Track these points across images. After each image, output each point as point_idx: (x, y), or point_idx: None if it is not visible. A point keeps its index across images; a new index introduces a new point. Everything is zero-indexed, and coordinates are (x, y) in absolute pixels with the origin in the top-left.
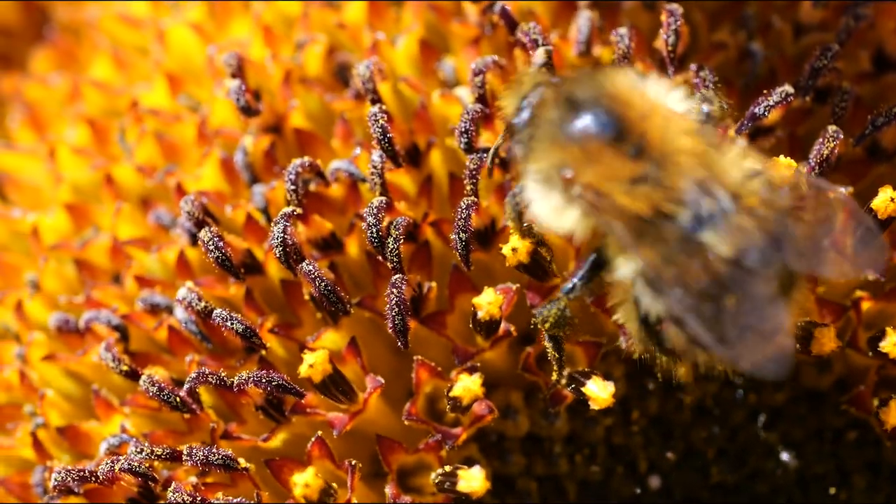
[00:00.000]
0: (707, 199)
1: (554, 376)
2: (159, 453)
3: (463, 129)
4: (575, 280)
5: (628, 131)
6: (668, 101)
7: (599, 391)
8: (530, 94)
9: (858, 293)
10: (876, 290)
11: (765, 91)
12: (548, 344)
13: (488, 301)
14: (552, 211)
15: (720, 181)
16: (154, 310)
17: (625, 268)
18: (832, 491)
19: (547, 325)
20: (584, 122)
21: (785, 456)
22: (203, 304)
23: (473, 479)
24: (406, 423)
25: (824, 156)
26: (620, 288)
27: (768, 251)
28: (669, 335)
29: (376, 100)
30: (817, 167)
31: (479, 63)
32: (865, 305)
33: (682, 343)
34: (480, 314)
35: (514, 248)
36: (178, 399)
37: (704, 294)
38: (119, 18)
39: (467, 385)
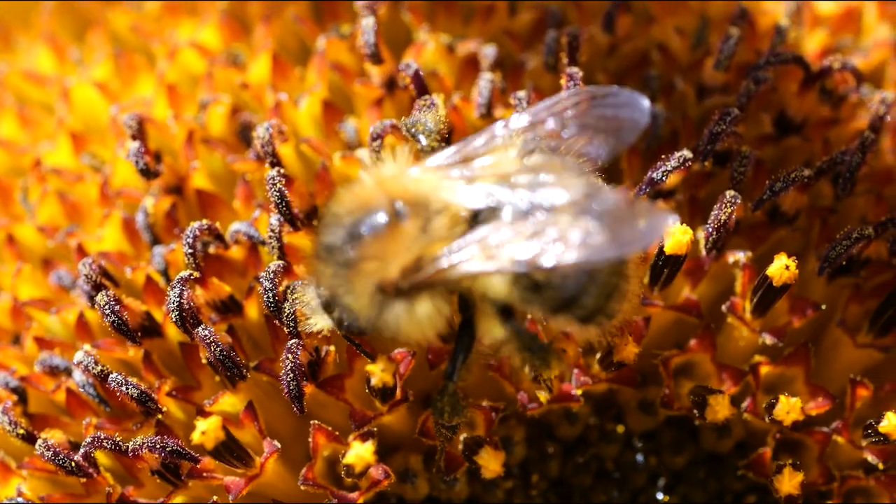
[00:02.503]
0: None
1: (438, 454)
2: None
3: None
4: (453, 363)
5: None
6: (404, 167)
7: (490, 460)
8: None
9: (757, 358)
10: (775, 355)
11: (663, 156)
12: (441, 431)
13: (381, 368)
14: (404, 320)
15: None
16: (53, 372)
17: (486, 313)
18: None
19: (445, 417)
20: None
21: None
22: (99, 367)
23: None
24: (303, 487)
25: (722, 221)
26: (490, 334)
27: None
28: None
29: (275, 163)
30: (715, 232)
31: (378, 127)
32: (764, 370)
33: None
34: (374, 381)
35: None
36: (73, 463)
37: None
38: (25, 75)
39: (359, 453)
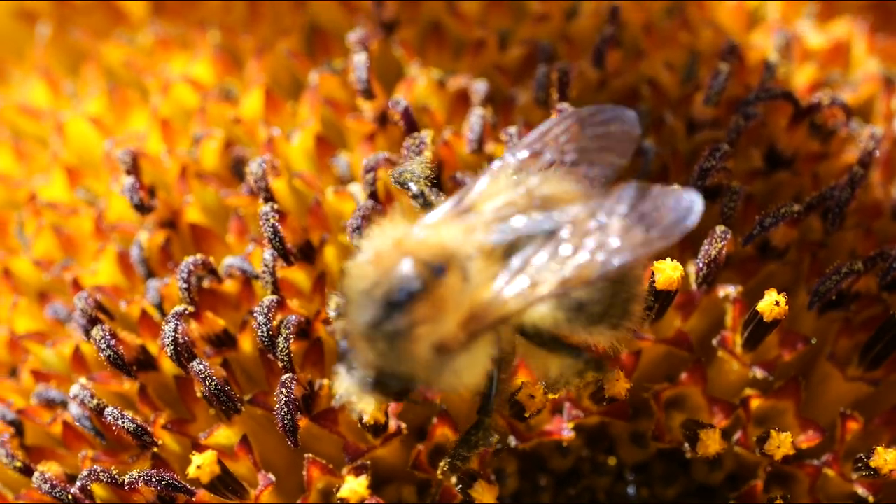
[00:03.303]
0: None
1: (440, 475)
2: None
3: (356, 226)
4: (487, 398)
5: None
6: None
7: (484, 493)
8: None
9: (748, 391)
10: (765, 388)
11: None
12: (454, 465)
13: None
14: (466, 369)
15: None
16: (49, 404)
17: (529, 346)
18: None
19: (478, 449)
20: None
21: None
22: (95, 401)
23: None
24: None
25: (712, 256)
26: (534, 360)
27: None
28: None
29: (269, 198)
30: (705, 267)
31: (371, 160)
32: (754, 403)
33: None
34: (365, 418)
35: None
36: (69, 496)
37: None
38: (19, 109)
39: (353, 487)
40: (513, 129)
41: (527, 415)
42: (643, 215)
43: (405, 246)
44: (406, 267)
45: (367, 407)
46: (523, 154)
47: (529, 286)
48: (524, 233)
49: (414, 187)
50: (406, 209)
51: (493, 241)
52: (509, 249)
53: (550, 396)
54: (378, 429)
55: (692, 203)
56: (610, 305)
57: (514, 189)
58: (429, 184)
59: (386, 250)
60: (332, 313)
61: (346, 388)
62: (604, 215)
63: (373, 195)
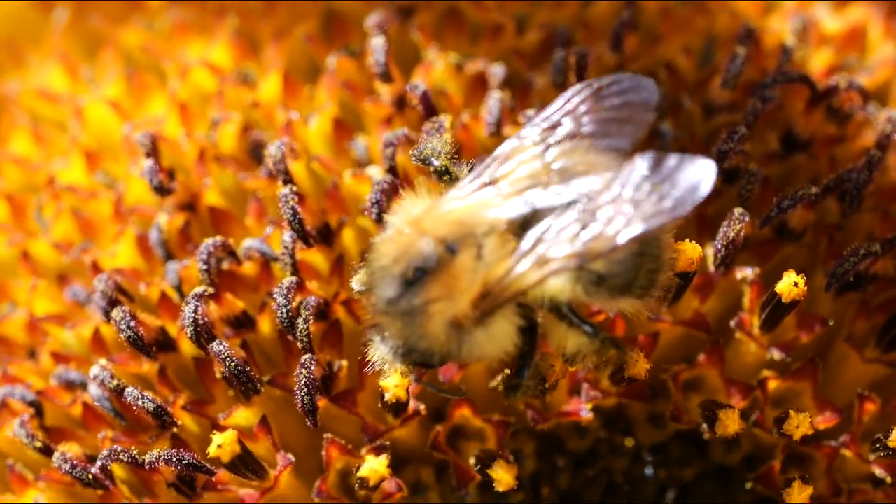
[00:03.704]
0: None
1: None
2: None
3: (374, 200)
4: (524, 364)
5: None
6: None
7: (503, 473)
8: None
9: (765, 373)
10: (783, 370)
11: None
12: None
13: (395, 384)
14: (484, 344)
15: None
16: (69, 386)
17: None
18: None
19: (518, 397)
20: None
21: None
22: (115, 381)
23: None
24: (317, 499)
25: (730, 238)
26: (554, 334)
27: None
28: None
29: (287, 180)
30: (723, 249)
31: (390, 136)
32: (772, 385)
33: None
34: (387, 396)
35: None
36: (90, 476)
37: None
38: (38, 94)
39: (373, 466)
40: (532, 112)
41: (546, 385)
42: (656, 186)
43: (421, 224)
44: (420, 245)
45: (393, 374)
46: (541, 127)
47: (542, 262)
48: (540, 207)
49: (436, 162)
50: (429, 187)
51: (510, 216)
52: (525, 224)
53: (570, 368)
54: (398, 408)
55: (706, 171)
56: (634, 277)
57: (532, 163)
58: (451, 159)
59: (404, 228)
60: (356, 287)
61: (380, 356)
62: (618, 187)
63: (391, 170)
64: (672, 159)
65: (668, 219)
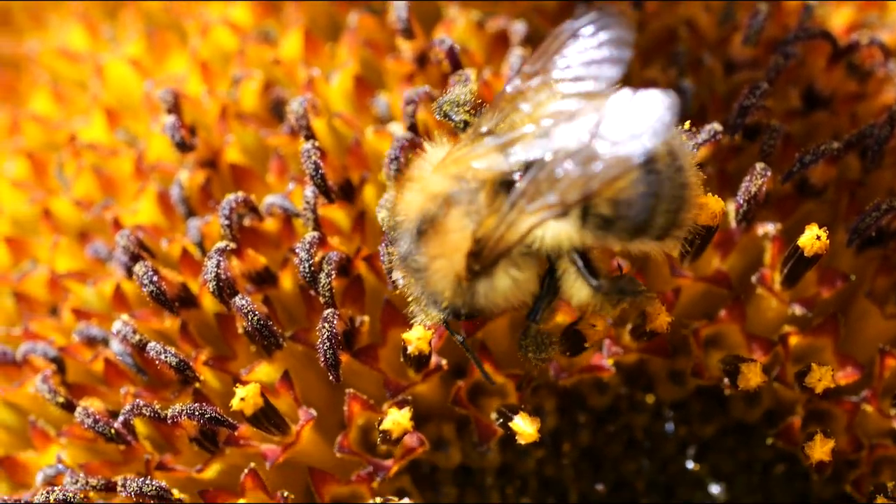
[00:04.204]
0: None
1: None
2: (94, 484)
3: (393, 157)
4: (537, 305)
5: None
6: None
7: (525, 426)
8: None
9: (786, 328)
10: (804, 325)
11: (693, 129)
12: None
13: (417, 336)
14: (492, 295)
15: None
16: (90, 342)
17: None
18: None
19: (530, 356)
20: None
21: (714, 488)
22: (138, 336)
23: None
24: (339, 455)
25: (752, 192)
26: (577, 294)
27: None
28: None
29: (309, 136)
30: (745, 204)
31: (411, 93)
32: (793, 340)
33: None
34: (410, 349)
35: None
36: (112, 431)
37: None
38: (58, 53)
39: (396, 419)
40: (515, 62)
41: (587, 345)
42: (621, 126)
43: (425, 184)
44: (423, 206)
45: (424, 320)
46: (524, 78)
47: (528, 213)
48: (527, 157)
49: (456, 116)
50: (449, 139)
51: (500, 168)
52: (513, 176)
53: (593, 323)
54: (420, 362)
55: (663, 103)
56: (647, 219)
57: (516, 114)
58: (472, 111)
59: (414, 187)
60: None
61: (414, 297)
62: (595, 129)
63: (412, 128)
64: (639, 94)
65: (643, 152)
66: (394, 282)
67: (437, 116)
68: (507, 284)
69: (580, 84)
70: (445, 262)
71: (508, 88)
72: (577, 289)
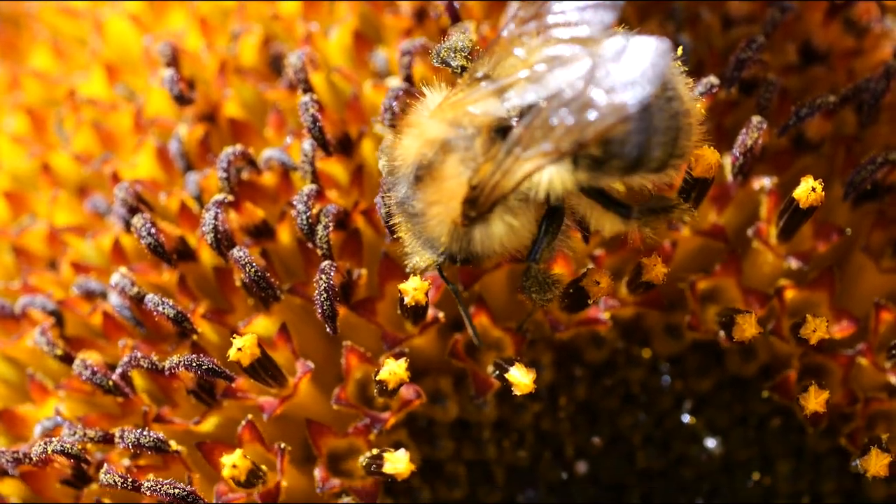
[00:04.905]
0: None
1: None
2: (92, 436)
3: (387, 106)
4: (536, 246)
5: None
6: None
7: (522, 377)
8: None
9: (782, 282)
10: (800, 279)
11: (691, 83)
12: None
13: (414, 287)
14: (488, 240)
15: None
16: (89, 295)
17: (586, 204)
18: (756, 477)
19: (533, 296)
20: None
21: (710, 442)
22: (136, 289)
23: (398, 462)
24: (336, 407)
25: (748, 146)
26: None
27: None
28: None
29: (308, 89)
30: (741, 157)
31: (407, 45)
32: (789, 294)
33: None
34: (406, 300)
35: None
36: (111, 383)
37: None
38: (58, 9)
39: (392, 369)
40: (511, 9)
41: (591, 301)
42: (615, 73)
43: (422, 129)
44: (419, 152)
45: (419, 262)
46: (519, 23)
47: (523, 160)
48: (522, 103)
49: (454, 62)
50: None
51: (495, 114)
52: (508, 122)
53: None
54: (417, 313)
55: (657, 48)
56: (641, 154)
57: (512, 59)
58: (470, 57)
59: (409, 133)
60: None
61: (409, 243)
62: (590, 75)
63: (408, 79)
64: (633, 40)
65: (638, 101)
66: (391, 226)
67: (435, 62)
68: (503, 230)
69: (574, 29)
70: (442, 208)
71: (504, 33)
72: (607, 220)
